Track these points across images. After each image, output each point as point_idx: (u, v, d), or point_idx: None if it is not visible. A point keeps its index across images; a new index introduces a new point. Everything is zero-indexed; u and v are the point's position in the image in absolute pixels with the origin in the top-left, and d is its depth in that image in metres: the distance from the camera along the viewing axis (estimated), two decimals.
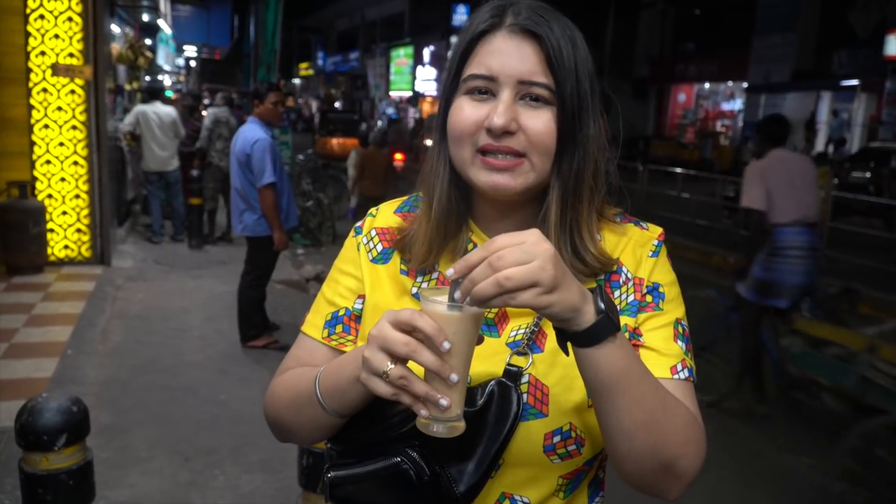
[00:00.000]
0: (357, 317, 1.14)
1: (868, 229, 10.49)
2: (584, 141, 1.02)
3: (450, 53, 1.10)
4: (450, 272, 0.85)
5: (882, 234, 10.44)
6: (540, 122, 1.00)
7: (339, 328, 1.15)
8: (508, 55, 1.00)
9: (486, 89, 1.01)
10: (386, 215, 1.19)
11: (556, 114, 1.00)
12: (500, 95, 1.00)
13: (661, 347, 1.04)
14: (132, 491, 3.52)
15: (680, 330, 1.07)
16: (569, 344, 0.89)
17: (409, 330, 0.87)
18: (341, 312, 1.15)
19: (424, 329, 0.86)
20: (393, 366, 0.87)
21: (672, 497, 0.98)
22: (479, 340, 0.93)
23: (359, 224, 1.20)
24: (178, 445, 3.97)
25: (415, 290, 1.11)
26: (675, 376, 1.03)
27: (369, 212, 1.22)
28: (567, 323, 0.86)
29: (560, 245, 1.04)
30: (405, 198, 1.22)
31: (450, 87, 1.06)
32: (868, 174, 14.44)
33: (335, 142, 20.21)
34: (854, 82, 19.89)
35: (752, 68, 22.59)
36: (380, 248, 1.16)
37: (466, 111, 1.02)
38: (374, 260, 1.15)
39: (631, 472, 0.97)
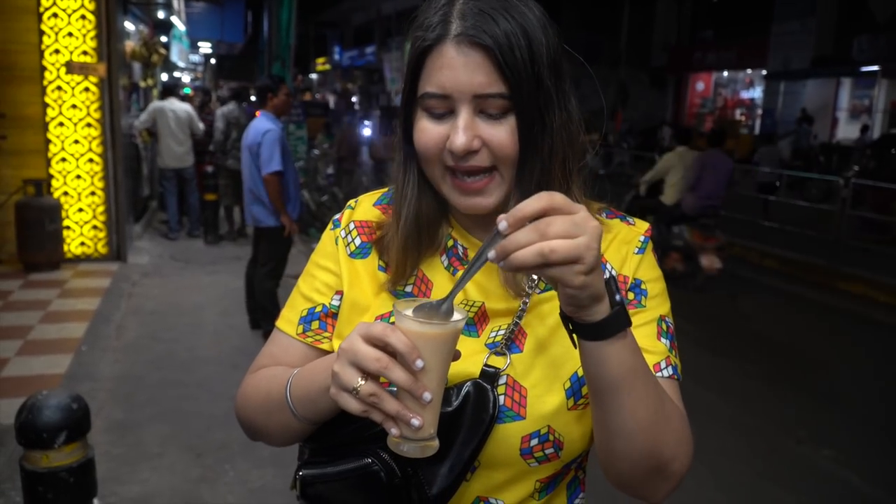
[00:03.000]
0: (334, 314, 1.11)
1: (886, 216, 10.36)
2: (548, 140, 0.98)
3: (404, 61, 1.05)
4: (502, 225, 0.76)
5: None
6: (501, 133, 0.95)
7: (315, 324, 1.11)
8: (458, 70, 0.94)
9: (444, 106, 0.97)
10: (365, 208, 1.16)
11: (516, 121, 0.96)
12: (459, 113, 0.95)
13: (644, 345, 1.00)
14: (143, 487, 3.53)
15: (664, 327, 1.04)
16: (574, 336, 0.85)
17: (382, 345, 0.83)
18: (318, 309, 1.12)
19: (397, 346, 0.82)
20: (363, 382, 0.84)
21: (658, 499, 0.96)
22: (456, 356, 0.89)
23: (337, 217, 1.16)
24: (189, 441, 3.98)
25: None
26: (659, 374, 1.00)
27: (348, 203, 1.18)
28: (582, 312, 0.81)
29: None
30: (385, 189, 1.18)
31: (407, 103, 1.01)
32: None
33: None
34: (874, 68, 19.57)
35: (772, 55, 22.26)
36: (358, 241, 1.12)
37: (429, 132, 0.98)
38: (352, 255, 1.12)
39: (624, 472, 0.94)
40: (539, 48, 0.95)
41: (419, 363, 0.82)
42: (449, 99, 0.95)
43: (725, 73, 26.81)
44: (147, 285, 7.07)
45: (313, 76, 46.52)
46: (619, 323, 0.83)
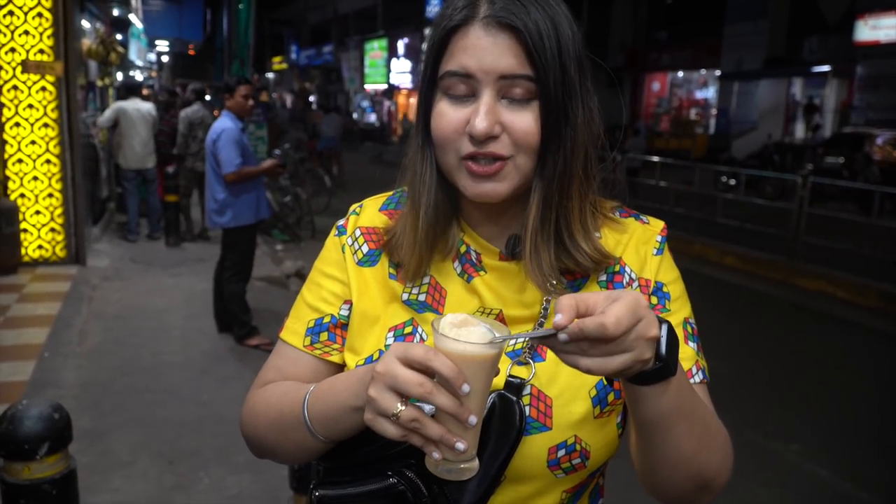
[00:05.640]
0: (343, 324, 1.07)
1: (843, 213, 10.61)
2: (571, 133, 0.95)
3: (424, 46, 1.02)
4: (563, 337, 0.75)
5: (857, 218, 10.54)
6: (524, 121, 0.92)
7: (323, 336, 1.07)
8: (485, 50, 0.91)
9: (466, 88, 0.94)
10: (370, 213, 1.11)
11: (540, 108, 0.93)
12: (481, 96, 0.92)
13: None
14: (115, 496, 3.45)
15: (689, 330, 1.03)
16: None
17: (422, 369, 0.79)
18: (326, 319, 1.07)
19: (442, 371, 0.77)
20: (403, 407, 0.79)
21: None
22: (496, 374, 0.85)
23: (341, 223, 1.12)
24: (161, 448, 3.90)
25: (405, 296, 1.04)
26: (691, 380, 0.98)
27: (352, 208, 1.14)
28: None
29: (540, 250, 0.97)
30: (390, 193, 1.14)
31: (427, 87, 0.98)
32: (841, 159, 14.60)
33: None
34: (825, 68, 20.07)
35: (725, 56, 22.69)
36: (365, 249, 1.08)
37: (448, 116, 0.95)
38: (360, 262, 1.08)
39: (665, 492, 0.94)
40: (566, 41, 0.93)
41: (465, 388, 0.78)
42: (472, 80, 0.92)
43: (680, 74, 27.22)
44: (108, 289, 6.91)
45: (270, 75, 46.06)
46: (658, 376, 0.80)
